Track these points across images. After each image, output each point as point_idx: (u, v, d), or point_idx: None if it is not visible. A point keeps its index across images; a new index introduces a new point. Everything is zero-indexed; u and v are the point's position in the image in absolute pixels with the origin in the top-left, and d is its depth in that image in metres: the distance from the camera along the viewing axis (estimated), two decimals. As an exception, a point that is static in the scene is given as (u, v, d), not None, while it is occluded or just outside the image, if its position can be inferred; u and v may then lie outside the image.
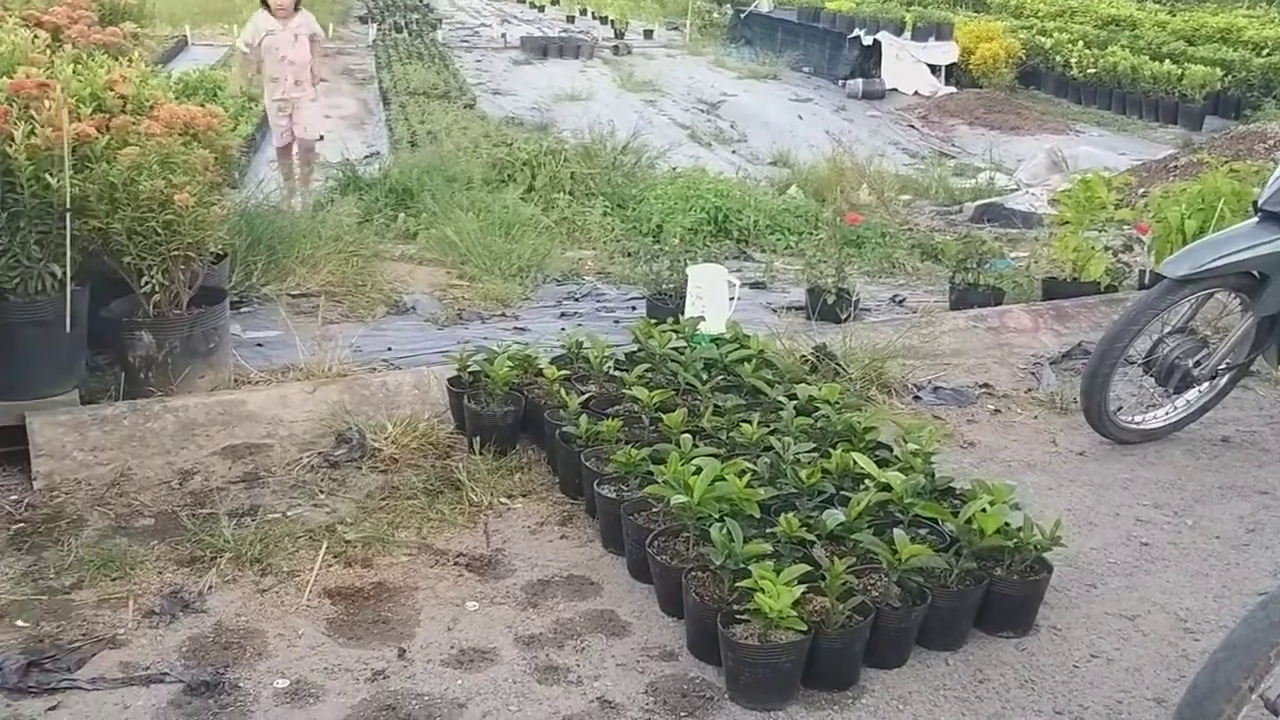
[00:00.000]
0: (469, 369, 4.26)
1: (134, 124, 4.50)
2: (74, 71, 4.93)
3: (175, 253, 4.11)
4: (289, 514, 3.67)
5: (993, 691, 2.96)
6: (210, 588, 3.24)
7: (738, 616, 2.86)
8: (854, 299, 5.65)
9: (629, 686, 2.90)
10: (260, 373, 4.58)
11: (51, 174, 3.92)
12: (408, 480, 3.89)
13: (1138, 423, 4.54)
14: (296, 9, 8.32)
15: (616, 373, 4.36)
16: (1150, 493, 4.14)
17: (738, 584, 2.89)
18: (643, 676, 2.95)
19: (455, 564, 3.45)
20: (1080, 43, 19.47)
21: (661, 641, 3.10)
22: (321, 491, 3.82)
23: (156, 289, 4.16)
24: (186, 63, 16.18)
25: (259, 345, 4.98)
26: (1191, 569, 3.62)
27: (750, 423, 3.76)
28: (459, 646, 3.04)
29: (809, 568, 2.93)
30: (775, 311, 6.09)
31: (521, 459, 4.10)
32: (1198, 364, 4.36)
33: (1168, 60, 17.63)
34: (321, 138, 13.07)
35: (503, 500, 3.83)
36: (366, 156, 11.43)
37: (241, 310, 5.36)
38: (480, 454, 4.05)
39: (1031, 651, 3.14)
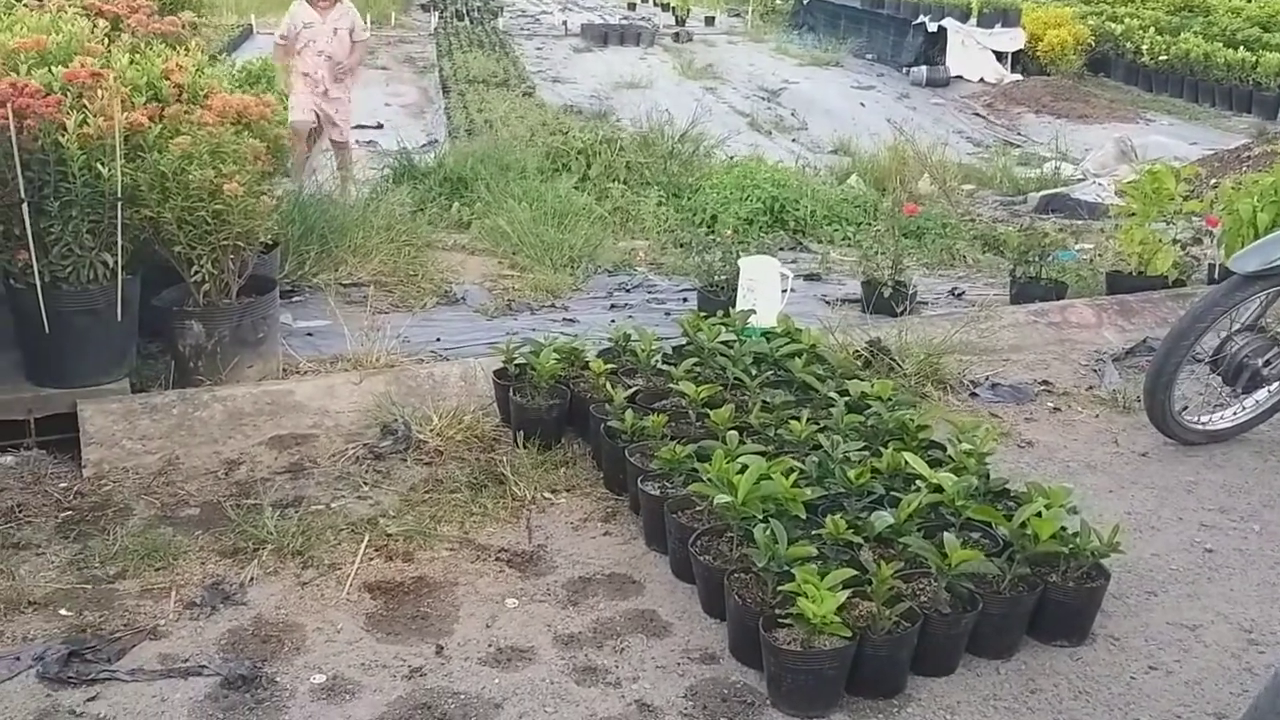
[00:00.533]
0: (515, 361, 4.22)
1: (187, 113, 4.52)
2: (130, 61, 4.97)
3: (225, 242, 4.12)
4: (332, 505, 3.66)
5: (1045, 703, 2.86)
6: (252, 579, 3.24)
7: (780, 620, 2.79)
8: (910, 292, 5.53)
9: (668, 689, 2.84)
10: (309, 362, 4.58)
11: (103, 163, 3.94)
12: (451, 473, 3.86)
13: (1203, 423, 4.38)
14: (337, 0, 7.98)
15: (664, 366, 4.29)
16: (1215, 497, 3.99)
17: (781, 587, 2.81)
18: (682, 679, 2.89)
19: (496, 559, 3.41)
20: (1152, 29, 18.99)
21: (703, 643, 3.04)
22: (365, 483, 3.81)
23: (206, 278, 4.17)
24: (251, 51, 16.29)
25: (309, 335, 4.99)
26: (1257, 577, 3.48)
27: (799, 419, 3.68)
28: (497, 645, 3.00)
29: (855, 572, 2.84)
30: (830, 304, 5.99)
31: (566, 453, 4.06)
32: (1268, 363, 4.20)
33: (1242, 47, 17.13)
34: (380, 125, 13.18)
35: (546, 495, 3.79)
36: (424, 145, 11.47)
37: (293, 299, 5.38)
38: (525, 447, 4.01)
39: (1087, 662, 3.03)
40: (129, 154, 4.13)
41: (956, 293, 6.41)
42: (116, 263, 4.02)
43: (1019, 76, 19.53)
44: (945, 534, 2.97)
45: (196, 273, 4.15)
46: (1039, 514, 3.07)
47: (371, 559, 3.37)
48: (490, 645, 3.00)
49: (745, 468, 3.18)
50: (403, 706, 2.74)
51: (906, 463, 3.36)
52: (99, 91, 4.02)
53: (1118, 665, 3.02)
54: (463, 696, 2.79)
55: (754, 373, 4.15)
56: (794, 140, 15.11)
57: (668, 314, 5.58)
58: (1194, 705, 2.87)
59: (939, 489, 3.22)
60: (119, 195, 3.94)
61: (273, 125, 4.77)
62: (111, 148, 3.94)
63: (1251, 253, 4.04)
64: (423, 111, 15.19)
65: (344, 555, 3.38)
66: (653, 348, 4.32)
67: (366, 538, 3.45)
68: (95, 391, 4.09)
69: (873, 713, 2.79)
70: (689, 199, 8.19)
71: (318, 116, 7.95)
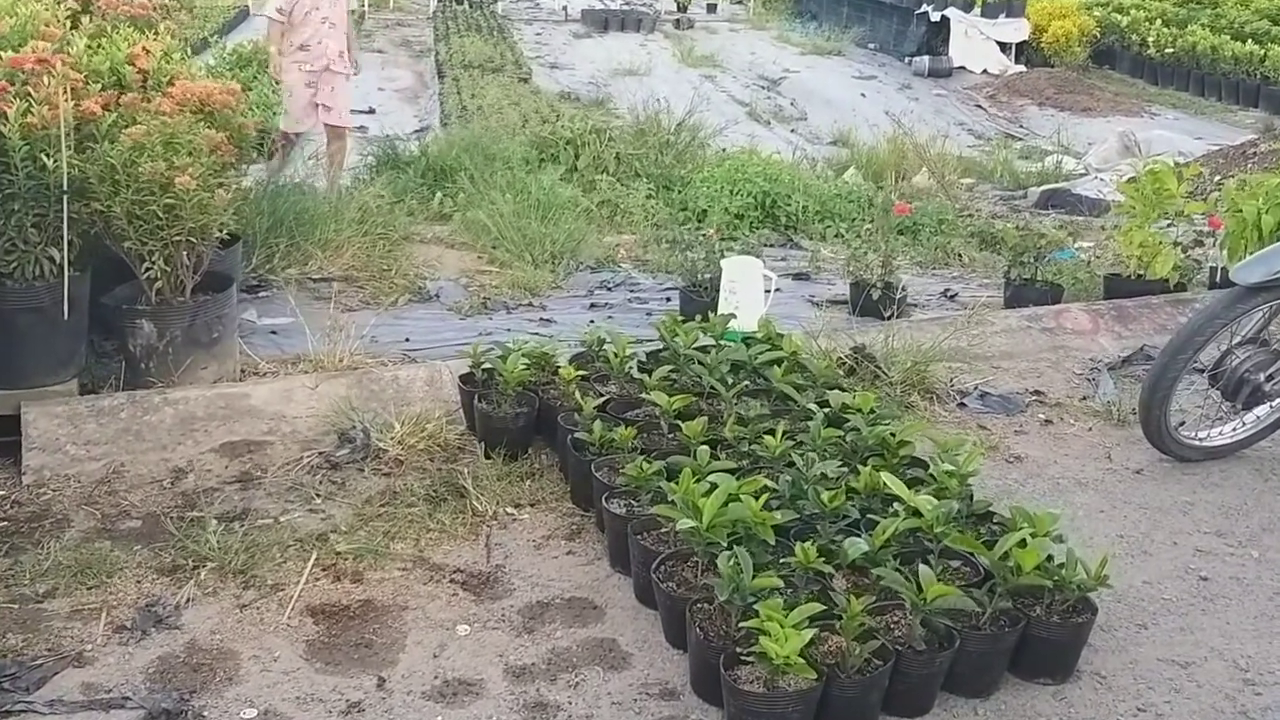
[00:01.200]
0: (482, 365, 4.04)
1: (145, 101, 4.33)
2: (97, 46, 4.77)
3: (177, 237, 3.93)
4: (281, 519, 3.47)
5: (1025, 749, 2.68)
6: (188, 600, 3.05)
7: (742, 658, 2.61)
8: (899, 294, 5.33)
9: (623, 729, 2.67)
10: (269, 363, 4.40)
11: (49, 154, 3.75)
12: (410, 485, 3.68)
13: (1201, 439, 4.20)
14: None
15: (640, 374, 4.11)
16: (1212, 519, 3.80)
17: (743, 624, 2.63)
18: (639, 717, 2.71)
19: (451, 581, 3.23)
20: (1158, 21, 18.71)
21: (663, 677, 2.86)
22: (318, 495, 3.63)
23: (158, 275, 3.98)
24: (246, 33, 16.11)
25: (273, 333, 4.81)
26: (1255, 609, 3.30)
27: (774, 434, 3.49)
28: (444, 677, 2.82)
29: (822, 606, 2.66)
30: (818, 305, 5.80)
31: (534, 464, 3.88)
32: (1270, 378, 4.01)
33: (1250, 40, 16.87)
34: (373, 110, 12.95)
35: (509, 510, 3.60)
36: (416, 131, 11.27)
37: (259, 295, 5.19)
38: (489, 458, 3.83)
39: (1071, 702, 2.85)
40: (80, 144, 3.95)
41: (949, 294, 6.21)
42: (63, 258, 3.83)
43: (1022, 68, 19.29)
44: (921, 566, 2.79)
45: (148, 269, 3.96)
46: (1023, 543, 2.88)
47: (318, 579, 3.19)
48: (436, 677, 2.82)
49: (714, 488, 2.99)
50: (337, 746, 2.57)
51: (884, 483, 3.17)
52: (46, 79, 3.82)
53: (1104, 707, 2.84)
54: (402, 735, 2.61)
55: (731, 381, 3.96)
56: (793, 131, 14.88)
57: (649, 314, 5.38)
58: (1184, 753, 2.69)
59: (918, 513, 3.03)
60: (64, 188, 3.75)
61: (237, 114, 4.58)
62: (57, 138, 3.74)
63: (1255, 263, 3.85)
64: (417, 96, 14.97)
65: (289, 575, 3.19)
66: (626, 353, 4.13)
67: (314, 556, 3.27)
68: (42, 393, 3.91)
69: (840, 758, 2.61)
70: (680, 192, 7.99)
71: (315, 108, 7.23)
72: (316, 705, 2.69)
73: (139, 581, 3.13)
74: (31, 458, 3.69)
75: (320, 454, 3.84)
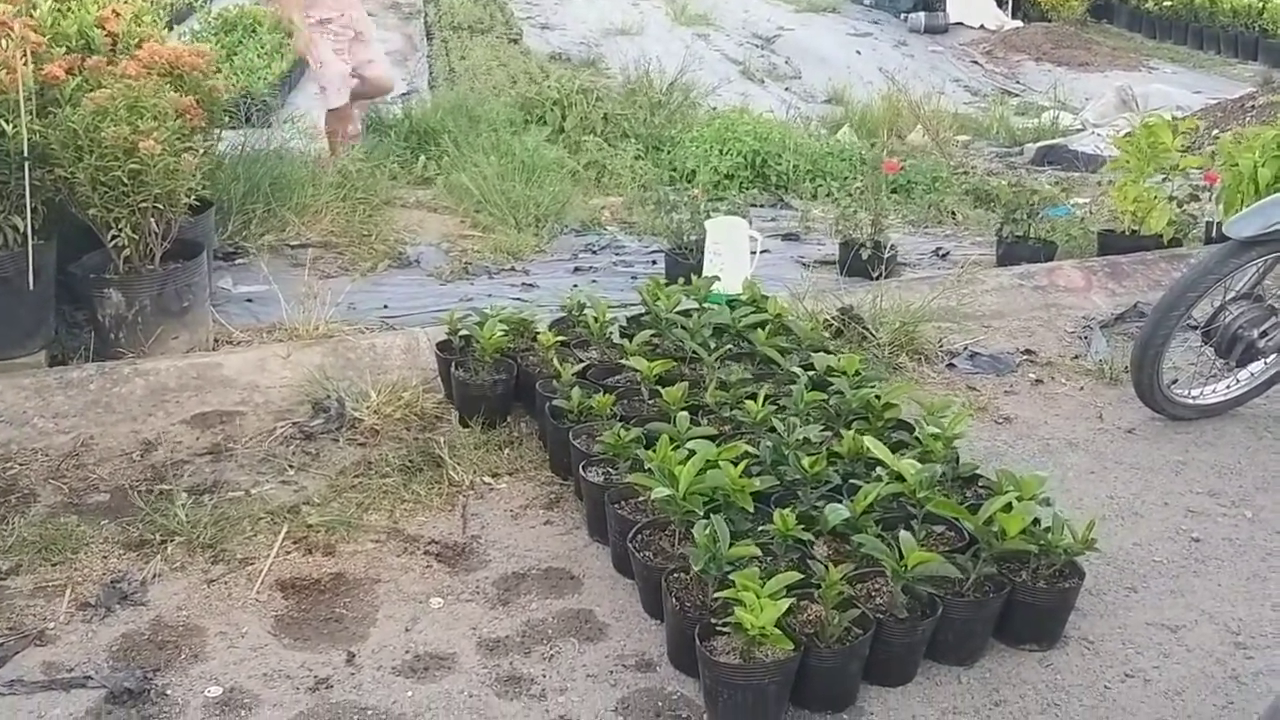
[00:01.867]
0: (460, 332, 3.95)
1: (111, 64, 4.22)
2: (65, 9, 4.66)
3: (143, 204, 3.83)
4: (253, 492, 3.40)
5: (1008, 717, 2.61)
6: (155, 576, 2.98)
7: (718, 629, 2.54)
8: (888, 253, 5.23)
9: (597, 702, 2.60)
10: (243, 332, 4.31)
11: (8, 120, 3.64)
12: (385, 455, 3.59)
13: (1194, 397, 4.11)
14: None
15: (621, 339, 4.02)
16: (1205, 478, 3.73)
17: (717, 594, 2.56)
18: (614, 690, 2.64)
19: (425, 553, 3.15)
20: (1157, -27, 18.46)
21: (640, 648, 2.79)
22: (291, 466, 3.55)
23: (126, 243, 3.88)
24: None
25: (249, 301, 4.71)
26: (1248, 570, 3.23)
27: (756, 398, 3.41)
28: (415, 651, 2.75)
29: (800, 575, 2.59)
30: (807, 266, 5.70)
31: (512, 433, 3.80)
32: (1264, 334, 3.93)
33: (1250, -9, 16.65)
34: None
35: (486, 479, 3.53)
36: (404, 94, 11.09)
37: (235, 263, 5.09)
38: (467, 427, 3.75)
39: (1057, 668, 2.78)
40: (43, 109, 3.85)
41: (941, 253, 6.11)
42: (27, 227, 3.74)
43: (1019, 23, 19.05)
44: (903, 532, 2.71)
45: (114, 237, 3.86)
46: (1008, 507, 2.81)
47: (289, 552, 3.12)
48: (408, 652, 2.75)
49: (692, 455, 2.92)
50: (303, 724, 2.50)
51: (867, 448, 3.10)
52: (3, 42, 3.71)
53: (1091, 673, 2.77)
54: (370, 712, 2.54)
55: (713, 346, 3.87)
56: (787, 89, 14.69)
57: (634, 278, 5.28)
58: (1172, 719, 2.62)
59: (902, 478, 2.96)
60: (25, 154, 3.65)
61: (208, 78, 4.47)
62: (16, 103, 3.64)
63: (1249, 216, 3.75)
64: (406, 59, 14.74)
65: (259, 548, 3.12)
66: (607, 318, 4.04)
67: (285, 529, 3.20)
68: (9, 365, 3.83)
69: (820, 729, 2.55)
70: (669, 153, 7.86)
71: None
72: (283, 682, 2.63)
73: (105, 557, 3.06)
74: (-2, 431, 3.61)
75: (294, 424, 3.75)
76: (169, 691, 2.57)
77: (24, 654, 2.68)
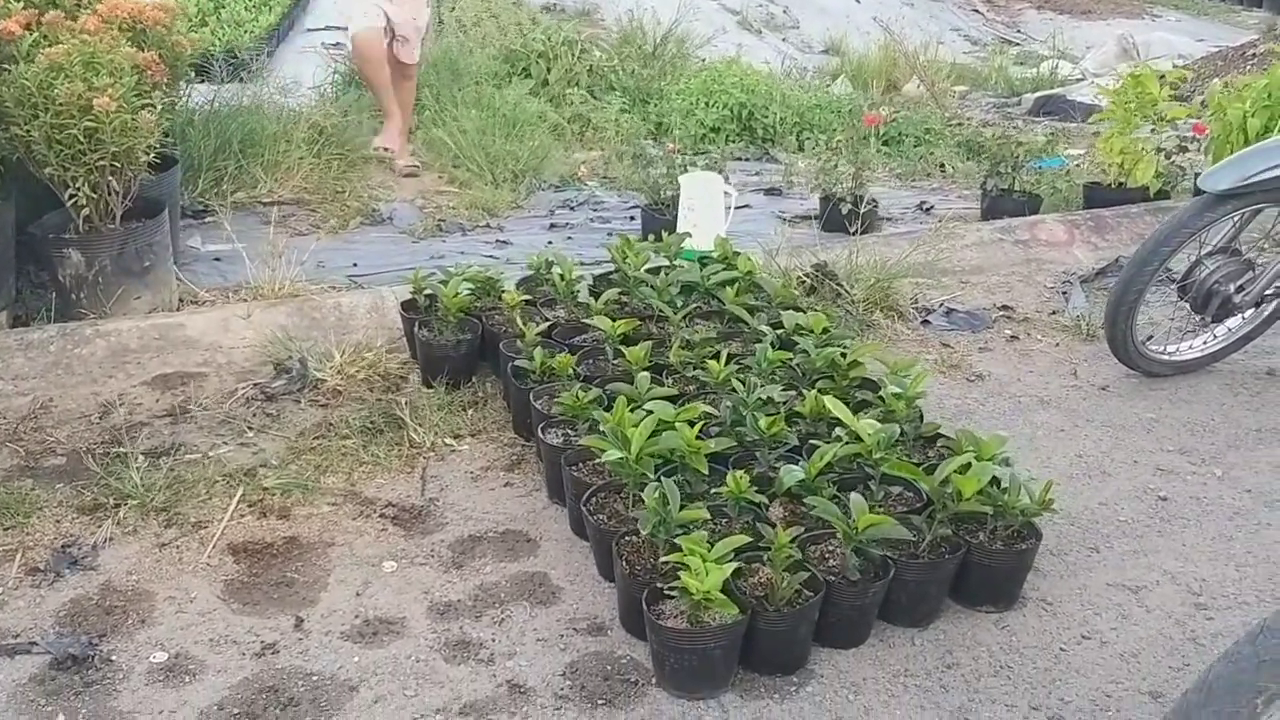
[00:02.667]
0: (424, 291, 3.90)
1: (70, 19, 4.14)
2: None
3: (100, 162, 3.76)
4: (210, 454, 3.37)
5: (960, 680, 2.58)
6: (107, 540, 2.96)
7: (666, 593, 2.51)
8: (865, 208, 5.15)
9: (546, 666, 2.57)
10: (209, 292, 4.26)
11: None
12: (347, 417, 3.56)
13: (1170, 353, 4.06)
14: None
15: (589, 297, 3.97)
16: (1176, 436, 3.69)
17: (664, 558, 2.53)
18: (564, 654, 2.62)
19: (381, 516, 3.13)
20: (1162, -82, 18.12)
21: (593, 612, 2.77)
22: (251, 428, 3.52)
23: (85, 201, 3.83)
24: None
25: (216, 260, 4.66)
26: (1213, 530, 3.19)
27: (719, 358, 3.36)
28: (365, 616, 2.73)
29: (748, 539, 2.55)
30: (787, 221, 5.63)
31: (477, 393, 3.76)
32: (1240, 289, 3.87)
33: (1256, -65, 16.35)
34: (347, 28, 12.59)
35: (448, 441, 3.49)
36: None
37: (204, 221, 5.03)
38: (431, 387, 3.72)
39: (1013, 630, 2.76)
40: (-4, 66, 3.78)
41: (925, 207, 6.04)
42: (-17, 187, 3.69)
43: (1022, -30, 18.73)
44: (853, 494, 2.68)
45: (73, 196, 3.80)
46: (966, 468, 2.76)
47: (243, 516, 3.09)
48: (357, 617, 2.73)
49: (650, 416, 2.88)
50: (246, 690, 2.47)
51: (827, 407, 3.05)
52: (-46, -2, 3.64)
53: (1047, 634, 2.74)
54: (315, 678, 2.52)
55: (681, 304, 3.82)
56: (784, 40, 14.48)
57: (610, 235, 5.22)
58: (1126, 682, 2.59)
59: (861, 438, 2.92)
60: (-23, 113, 3.59)
61: (171, 33, 4.38)
62: (-32, 60, 3.58)
63: (1224, 169, 3.67)
64: (397, 11, 14.56)
65: (213, 512, 3.09)
66: (574, 276, 3.98)
67: (240, 491, 3.17)
68: (-33, 328, 3.79)
69: (768, 692, 2.52)
70: (655, 106, 7.76)
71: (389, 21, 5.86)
72: (230, 647, 2.61)
73: (58, 521, 3.04)
74: (-44, 394, 3.58)
75: (255, 385, 3.72)
76: (114, 657, 2.55)
77: (-30, 620, 2.67)
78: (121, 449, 3.34)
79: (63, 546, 2.92)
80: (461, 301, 3.75)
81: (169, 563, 2.89)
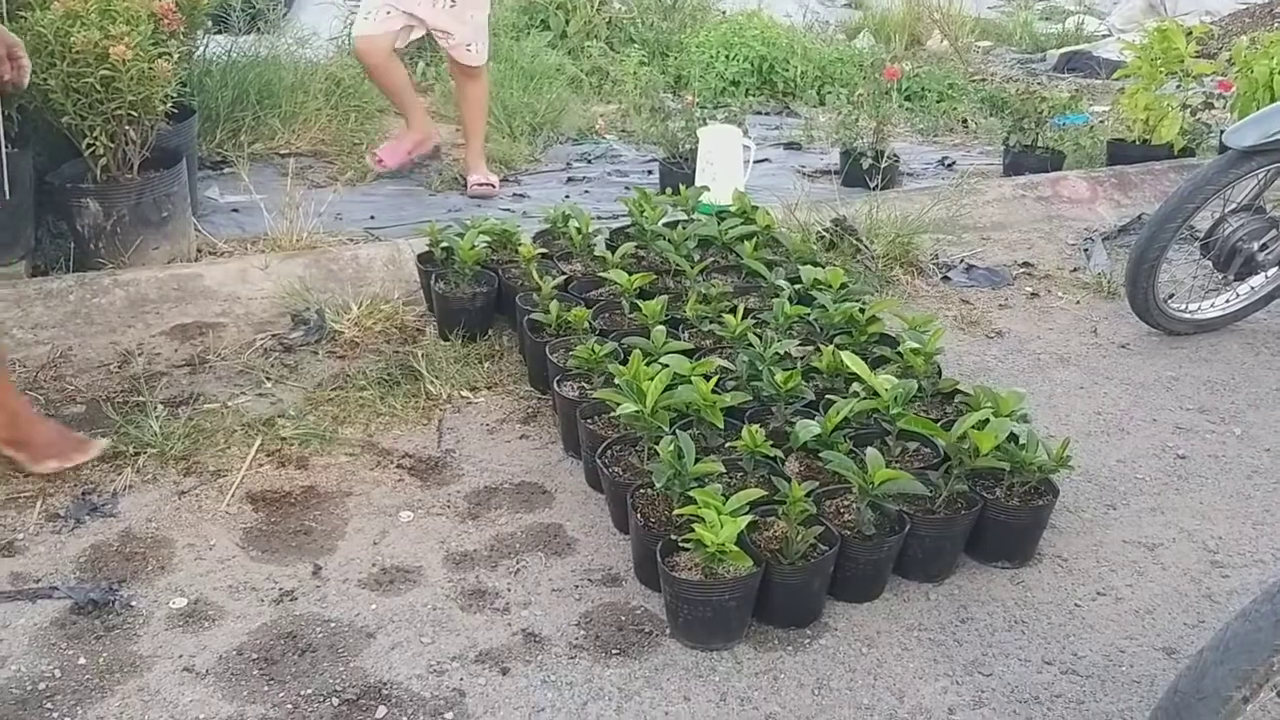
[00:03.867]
0: (441, 244, 3.89)
1: (84, -35, 4.11)
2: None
3: (118, 111, 3.76)
4: (229, 404, 3.38)
5: (974, 634, 2.59)
6: (126, 488, 2.98)
7: (681, 545, 2.52)
8: (886, 163, 5.10)
9: (560, 616, 2.59)
10: (228, 243, 4.26)
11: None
12: (364, 368, 3.57)
13: (1191, 312, 4.03)
14: None
15: (606, 251, 3.95)
16: (1196, 394, 3.67)
17: (678, 511, 2.53)
18: (578, 605, 2.63)
19: (398, 466, 3.14)
20: None
21: (607, 563, 2.78)
22: (269, 379, 3.53)
23: (102, 151, 3.82)
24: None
25: (235, 211, 4.65)
26: (1231, 489, 3.18)
27: (736, 312, 3.35)
28: (382, 564, 2.75)
29: (763, 492, 2.56)
30: (807, 176, 5.59)
31: (493, 346, 3.76)
32: (1264, 247, 3.82)
33: (1290, -112, 16.00)
34: None
35: (464, 393, 3.50)
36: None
37: (222, 172, 5.02)
38: (447, 340, 3.72)
39: (1028, 586, 2.76)
40: (14, 13, 3.76)
41: (947, 163, 5.98)
42: (-1, 135, 3.68)
43: (1050, -78, 18.44)
44: (870, 449, 2.67)
45: (90, 145, 3.80)
46: (983, 424, 2.75)
47: (261, 465, 3.11)
48: (374, 565, 2.75)
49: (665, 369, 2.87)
50: (265, 635, 2.50)
51: (844, 363, 3.04)
52: (-30, -57, 3.62)
53: (1062, 590, 2.75)
54: (333, 624, 2.54)
55: (698, 258, 3.81)
56: (807, -9, 14.34)
57: (628, 189, 5.17)
58: (1141, 638, 2.59)
59: (878, 393, 2.91)
60: (-5, 61, 3.57)
61: (188, -22, 4.36)
62: (-15, 7, 3.56)
63: (1249, 125, 3.62)
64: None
65: (232, 461, 3.11)
66: (590, 229, 3.97)
67: (259, 441, 3.18)
68: (-12, 276, 3.81)
69: (781, 644, 2.53)
70: (675, 58, 7.69)
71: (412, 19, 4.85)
72: (249, 594, 2.63)
73: (77, 468, 3.05)
74: (-24, 342, 3.60)
75: (273, 336, 3.73)
76: (134, 603, 2.58)
77: (-7, 565, 2.70)
78: (140, 398, 3.36)
79: (83, 493, 2.94)
80: (478, 254, 3.75)
81: (188, 510, 2.92)
